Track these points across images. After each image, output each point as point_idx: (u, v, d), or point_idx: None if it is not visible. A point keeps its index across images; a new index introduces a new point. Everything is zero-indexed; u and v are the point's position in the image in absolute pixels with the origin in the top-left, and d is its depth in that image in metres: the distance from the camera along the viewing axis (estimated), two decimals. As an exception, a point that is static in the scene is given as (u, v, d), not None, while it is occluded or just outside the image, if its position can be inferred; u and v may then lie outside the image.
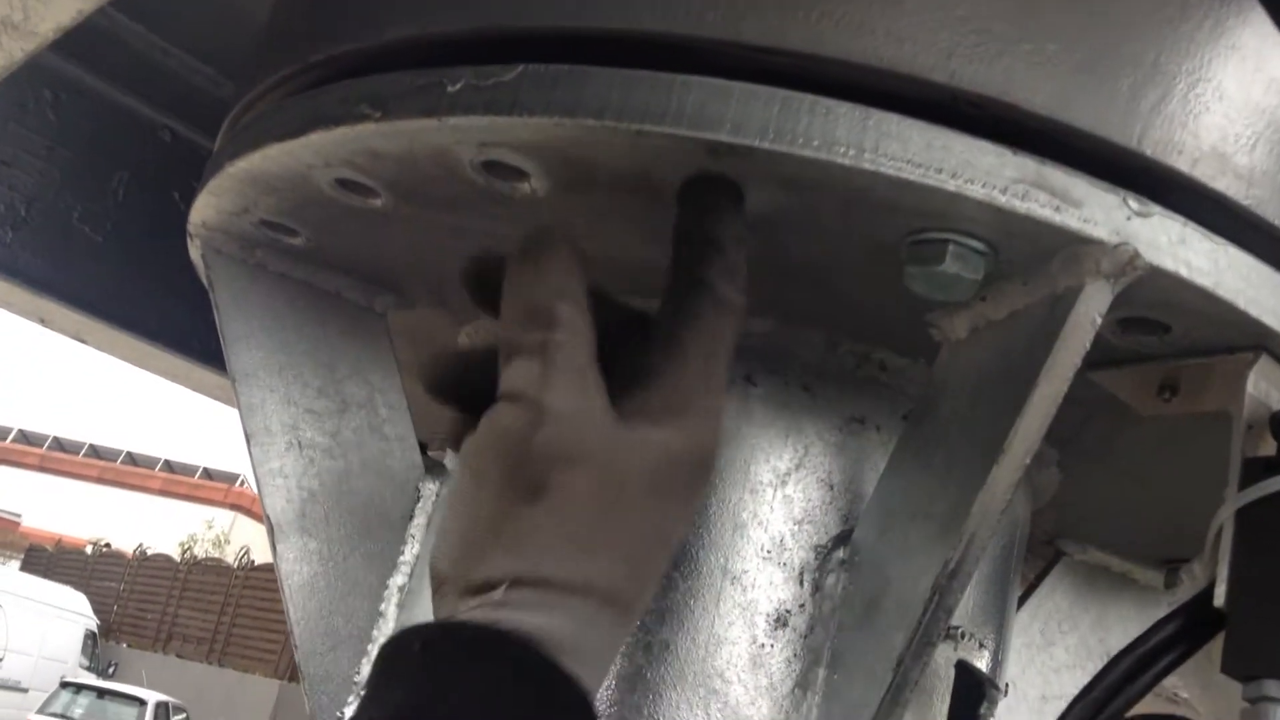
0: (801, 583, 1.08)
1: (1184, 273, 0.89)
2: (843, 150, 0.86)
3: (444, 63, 0.97)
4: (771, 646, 1.06)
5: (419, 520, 1.28)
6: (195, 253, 1.30)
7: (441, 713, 0.73)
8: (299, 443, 1.27)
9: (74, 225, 1.74)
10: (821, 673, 1.05)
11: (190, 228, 1.27)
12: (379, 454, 1.31)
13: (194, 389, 1.86)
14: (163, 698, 23.42)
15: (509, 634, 0.77)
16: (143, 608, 34.80)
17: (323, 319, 1.31)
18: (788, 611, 1.07)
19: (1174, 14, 0.94)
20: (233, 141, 1.15)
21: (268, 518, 1.24)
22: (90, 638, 27.49)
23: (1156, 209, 0.89)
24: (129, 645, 32.90)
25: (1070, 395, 0.92)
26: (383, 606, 1.25)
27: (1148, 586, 1.52)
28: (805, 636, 1.06)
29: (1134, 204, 0.88)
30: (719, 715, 1.04)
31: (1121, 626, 1.52)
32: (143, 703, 22.54)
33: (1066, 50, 0.90)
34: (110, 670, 27.97)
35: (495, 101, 0.93)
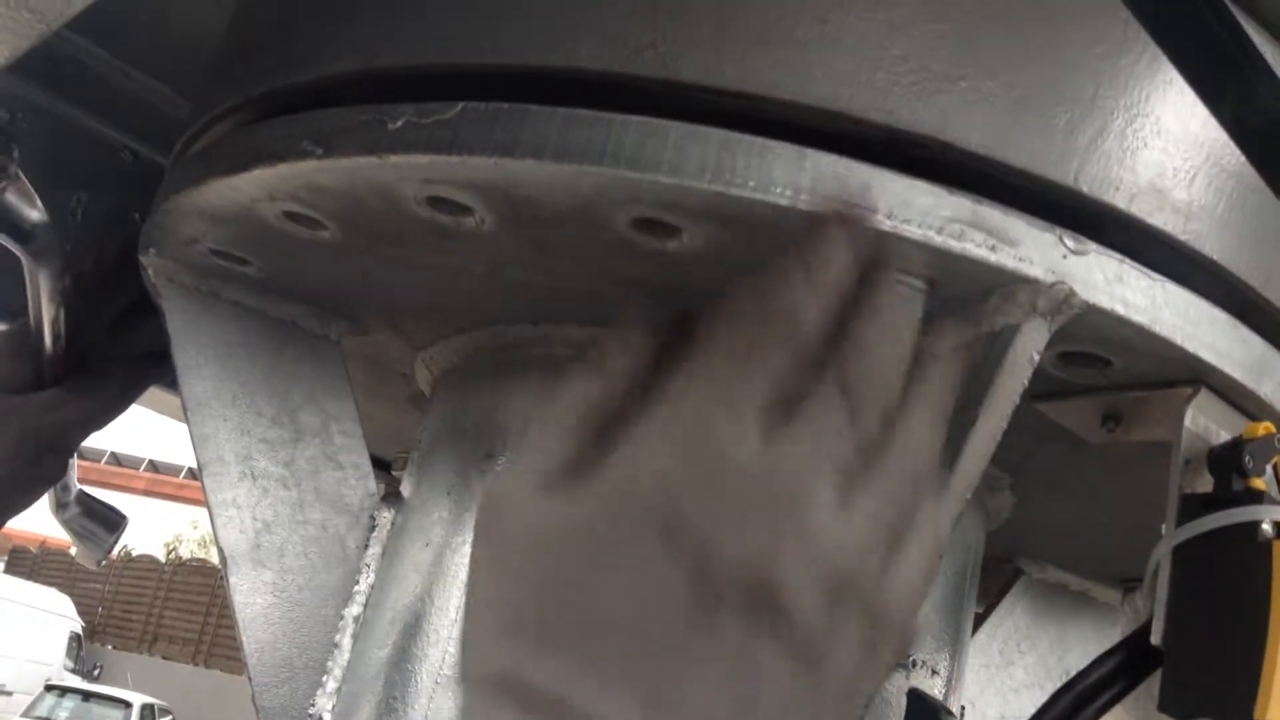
0: (751, 614, 1.08)
1: (1120, 310, 0.89)
2: (779, 190, 0.86)
3: (386, 98, 0.97)
4: (720, 679, 1.06)
5: (374, 550, 1.28)
6: (148, 281, 1.30)
7: None
8: (252, 473, 1.27)
9: (32, 247, 1.72)
10: (770, 705, 1.05)
11: (140, 257, 1.27)
12: (334, 483, 1.31)
13: (157, 411, 1.85)
14: (148, 700, 23.34)
15: None
16: (128, 609, 34.69)
17: (277, 347, 1.31)
18: (737, 643, 1.07)
19: (1112, 48, 0.94)
20: (179, 173, 1.15)
21: (220, 549, 1.24)
22: (75, 640, 27.38)
23: (1093, 246, 0.89)
24: (114, 647, 32.78)
25: (1019, 423, 0.93)
26: (338, 638, 1.25)
27: (1106, 604, 1.53)
28: (754, 668, 1.06)
29: (1070, 242, 0.88)
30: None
31: (1081, 645, 1.52)
32: (128, 705, 22.45)
33: (1003, 87, 0.90)
34: (95, 673, 27.86)
35: (436, 140, 0.93)
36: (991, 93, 0.90)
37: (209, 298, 1.28)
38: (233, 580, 1.23)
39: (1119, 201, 0.91)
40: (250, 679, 1.23)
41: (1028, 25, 0.92)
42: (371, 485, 1.32)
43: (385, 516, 1.30)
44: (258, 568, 1.24)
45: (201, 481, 1.25)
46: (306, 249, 1.15)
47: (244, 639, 1.23)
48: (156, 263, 1.25)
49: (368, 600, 1.26)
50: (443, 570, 1.18)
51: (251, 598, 1.24)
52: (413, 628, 1.18)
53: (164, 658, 31.61)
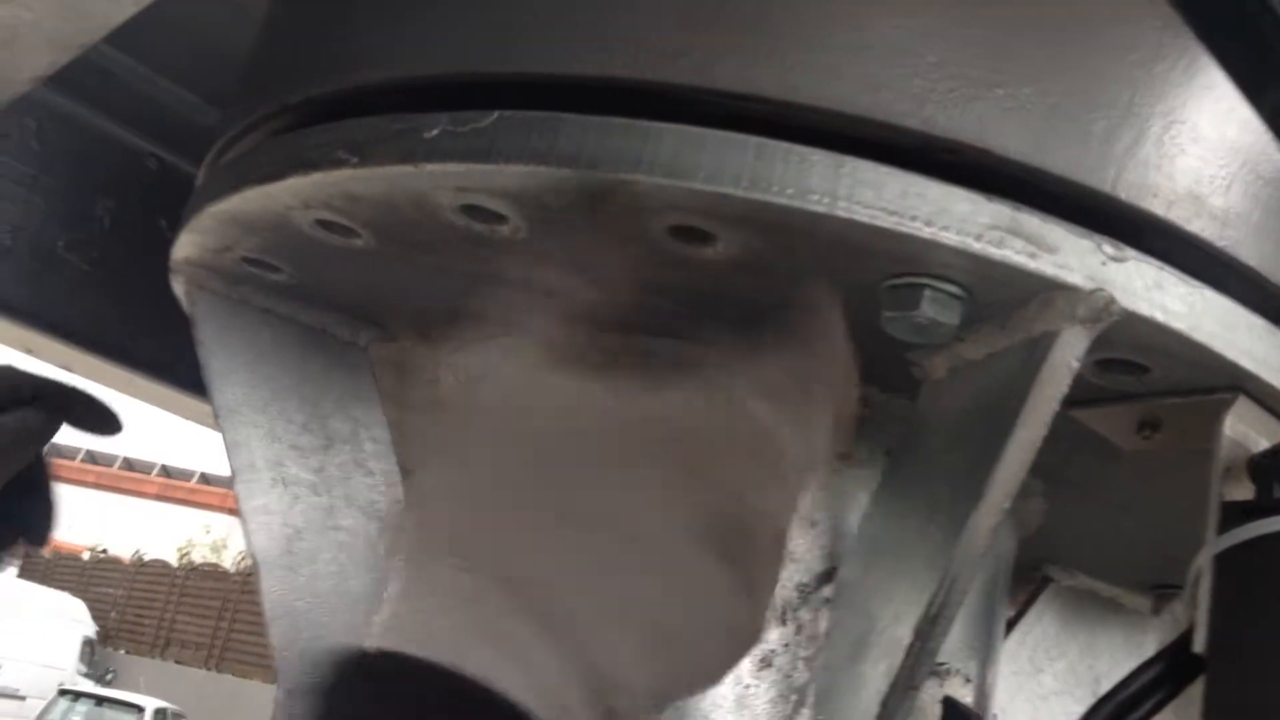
0: (785, 622, 1.08)
1: (1160, 317, 0.89)
2: (816, 198, 0.86)
3: (421, 107, 0.97)
4: (756, 687, 1.06)
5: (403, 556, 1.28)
6: (179, 288, 1.30)
7: None
8: (284, 479, 1.27)
9: (60, 254, 1.74)
10: (806, 713, 1.05)
11: (172, 264, 1.27)
12: (364, 489, 1.31)
13: (185, 417, 1.86)
14: (161, 704, 23.40)
15: None
16: (141, 614, 34.78)
17: (306, 354, 1.31)
18: (772, 651, 1.07)
19: (1148, 55, 0.94)
20: (212, 181, 1.15)
21: (253, 555, 1.24)
22: (88, 644, 27.47)
23: (1132, 253, 0.89)
24: (127, 652, 32.88)
25: (1053, 431, 0.93)
26: (368, 644, 1.24)
27: (1136, 611, 1.52)
28: (789, 676, 1.06)
29: (1109, 249, 0.88)
30: (703, 756, 1.04)
31: (1110, 653, 1.52)
32: (141, 710, 22.52)
33: (1040, 94, 0.90)
34: (108, 677, 27.95)
35: (472, 148, 0.93)
36: (1028, 99, 0.90)
37: (239, 305, 1.28)
38: (264, 586, 1.24)
39: (1157, 208, 0.91)
40: (280, 684, 1.23)
41: (1062, 32, 0.92)
42: (399, 493, 1.33)
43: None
44: (289, 573, 1.25)
45: (234, 488, 1.25)
46: (338, 256, 1.15)
47: (274, 644, 1.24)
48: (188, 270, 1.26)
49: (398, 607, 1.26)
50: (474, 577, 1.18)
51: (282, 603, 1.24)
52: (444, 635, 1.18)
53: (177, 662, 31.69)
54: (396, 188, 0.98)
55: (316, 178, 1.01)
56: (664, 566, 0.72)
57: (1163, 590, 1.48)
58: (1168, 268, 0.90)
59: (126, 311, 1.75)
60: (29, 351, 1.69)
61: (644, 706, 0.70)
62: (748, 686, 1.06)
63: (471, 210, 0.99)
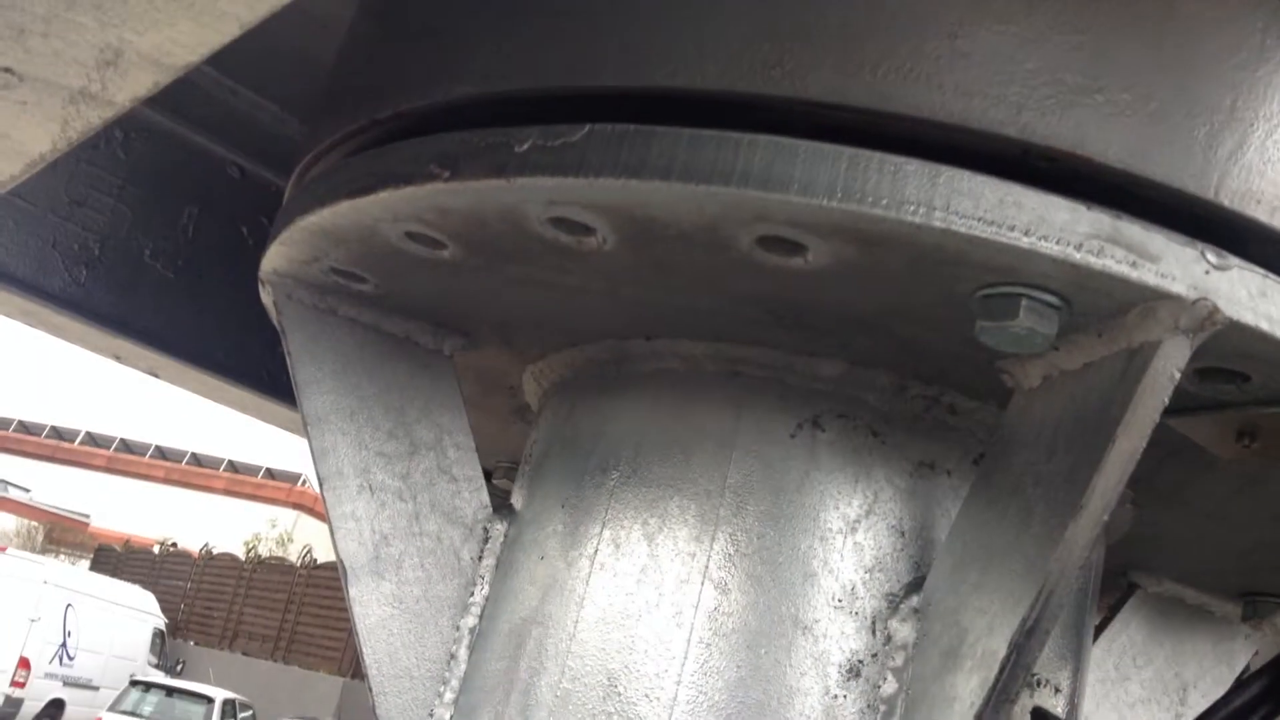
0: (874, 632, 1.07)
1: (1265, 326, 0.87)
2: (912, 208, 0.86)
3: (511, 122, 0.98)
4: (844, 698, 1.05)
5: (488, 562, 1.29)
6: (267, 299, 1.32)
7: None
8: (370, 486, 1.29)
9: (145, 262, 1.77)
10: (895, 724, 1.04)
11: (262, 275, 1.29)
12: (449, 495, 1.32)
13: (266, 421, 1.89)
14: (230, 695, 23.79)
15: None
16: (209, 606, 35.41)
17: (392, 362, 1.33)
18: (860, 662, 1.06)
19: (1250, 57, 0.92)
20: (302, 195, 1.17)
21: (341, 561, 1.26)
22: (158, 636, 27.98)
23: (1235, 261, 0.87)
24: (196, 643, 33.47)
25: (1148, 440, 0.91)
26: (455, 649, 1.26)
27: (1224, 619, 1.49)
28: (878, 687, 1.06)
29: (1212, 257, 0.87)
30: (792, 765, 1.04)
31: (1197, 660, 1.49)
32: (210, 700, 22.91)
33: (1140, 100, 0.89)
34: (178, 668, 28.47)
35: (563, 162, 0.94)
36: (1128, 105, 0.88)
37: (326, 314, 1.30)
38: (353, 592, 1.25)
39: (1261, 215, 0.89)
40: (370, 688, 1.25)
41: (1162, 36, 0.91)
42: (484, 497, 1.34)
43: (498, 529, 1.31)
44: (377, 579, 1.26)
45: (321, 495, 1.27)
46: (424, 267, 1.16)
47: (364, 649, 1.25)
48: (276, 281, 1.28)
49: (483, 612, 1.28)
50: (557, 584, 1.19)
51: (371, 609, 1.26)
52: (529, 641, 1.19)
53: (244, 654, 32.22)
54: (487, 201, 0.99)
55: (408, 192, 1.02)
56: None
57: (1253, 598, 1.45)
58: (1272, 276, 0.88)
59: (209, 318, 1.78)
60: (117, 358, 1.73)
61: None
62: (836, 697, 1.05)
63: (560, 222, 0.99)
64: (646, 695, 1.08)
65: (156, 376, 1.76)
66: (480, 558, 1.31)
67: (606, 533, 1.17)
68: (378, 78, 1.14)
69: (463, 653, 1.27)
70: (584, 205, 0.96)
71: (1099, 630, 1.49)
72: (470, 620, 1.28)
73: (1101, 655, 1.47)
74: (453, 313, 1.31)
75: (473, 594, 1.29)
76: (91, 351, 1.72)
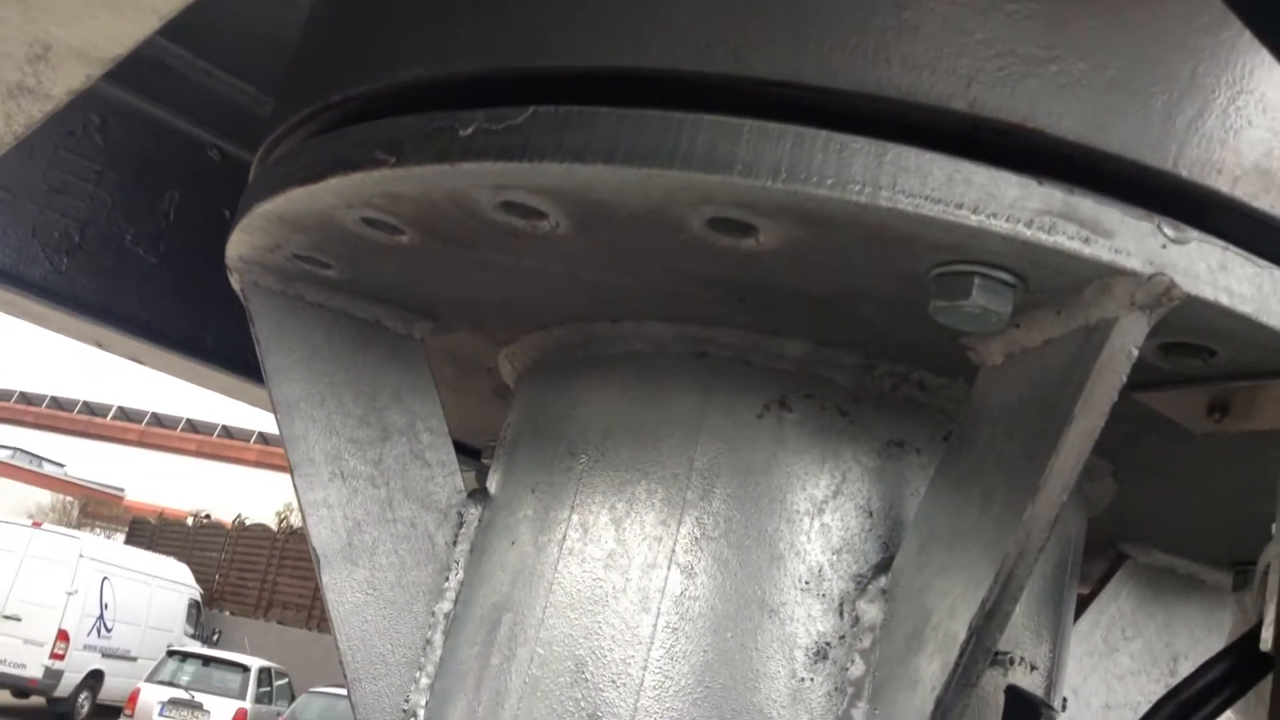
0: (841, 614, 1.06)
1: (1225, 301, 0.84)
2: (858, 188, 0.83)
3: (457, 104, 0.96)
4: (812, 680, 1.04)
5: (462, 547, 1.29)
6: (236, 285, 1.31)
7: None
8: (342, 473, 1.28)
9: (127, 248, 1.77)
10: (863, 707, 1.03)
11: (228, 261, 1.28)
12: (422, 480, 1.31)
13: (252, 404, 1.89)
14: (265, 663, 24.12)
15: None
16: (243, 576, 35.81)
17: (361, 347, 1.32)
18: (828, 644, 1.05)
19: (1214, 20, 0.89)
20: (259, 181, 1.16)
21: (314, 549, 1.25)
22: (194, 607, 28.37)
23: (1194, 234, 0.85)
24: (231, 613, 33.90)
25: (1118, 413, 0.89)
26: (430, 634, 1.26)
27: (1215, 587, 1.47)
28: (846, 670, 1.04)
29: (1169, 230, 0.84)
30: (759, 749, 1.03)
31: (1188, 630, 1.47)
32: (246, 669, 23.24)
33: (1096, 69, 0.86)
34: (215, 638, 28.87)
35: (507, 146, 0.92)
36: (1083, 75, 0.85)
37: (294, 300, 1.29)
38: (326, 579, 1.25)
39: (1222, 185, 0.86)
40: (345, 675, 1.25)
41: (1121, 1, 0.87)
42: (458, 482, 1.33)
43: (473, 513, 1.30)
44: (350, 566, 1.26)
45: (293, 483, 1.27)
46: (385, 252, 1.15)
47: (339, 636, 1.25)
48: (241, 267, 1.27)
49: (458, 597, 1.27)
50: (527, 569, 1.18)
51: (345, 595, 1.25)
52: (501, 627, 1.18)
53: (279, 623, 32.60)
54: (434, 187, 0.98)
55: (357, 178, 1.00)
56: None
57: (1244, 567, 1.42)
58: (1233, 248, 0.85)
59: (194, 303, 1.78)
60: (99, 345, 1.72)
61: None
62: (803, 680, 1.04)
63: (511, 207, 0.97)
64: (613, 681, 1.08)
65: (141, 363, 1.76)
66: (455, 543, 1.30)
67: (575, 517, 1.16)
68: (329, 61, 1.13)
69: (438, 638, 1.26)
70: (531, 190, 0.94)
71: (1086, 602, 1.47)
72: (445, 606, 1.28)
73: (1089, 628, 1.45)
74: (419, 296, 1.29)
75: (447, 579, 1.29)
76: (74, 339, 1.72)
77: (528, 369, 1.33)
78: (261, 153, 1.25)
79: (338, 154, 1.02)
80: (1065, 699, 1.25)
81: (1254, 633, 0.86)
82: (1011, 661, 1.12)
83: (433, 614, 1.27)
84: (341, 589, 1.26)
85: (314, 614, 32.82)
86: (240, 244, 1.23)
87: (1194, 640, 1.40)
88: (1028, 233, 0.82)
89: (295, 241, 1.18)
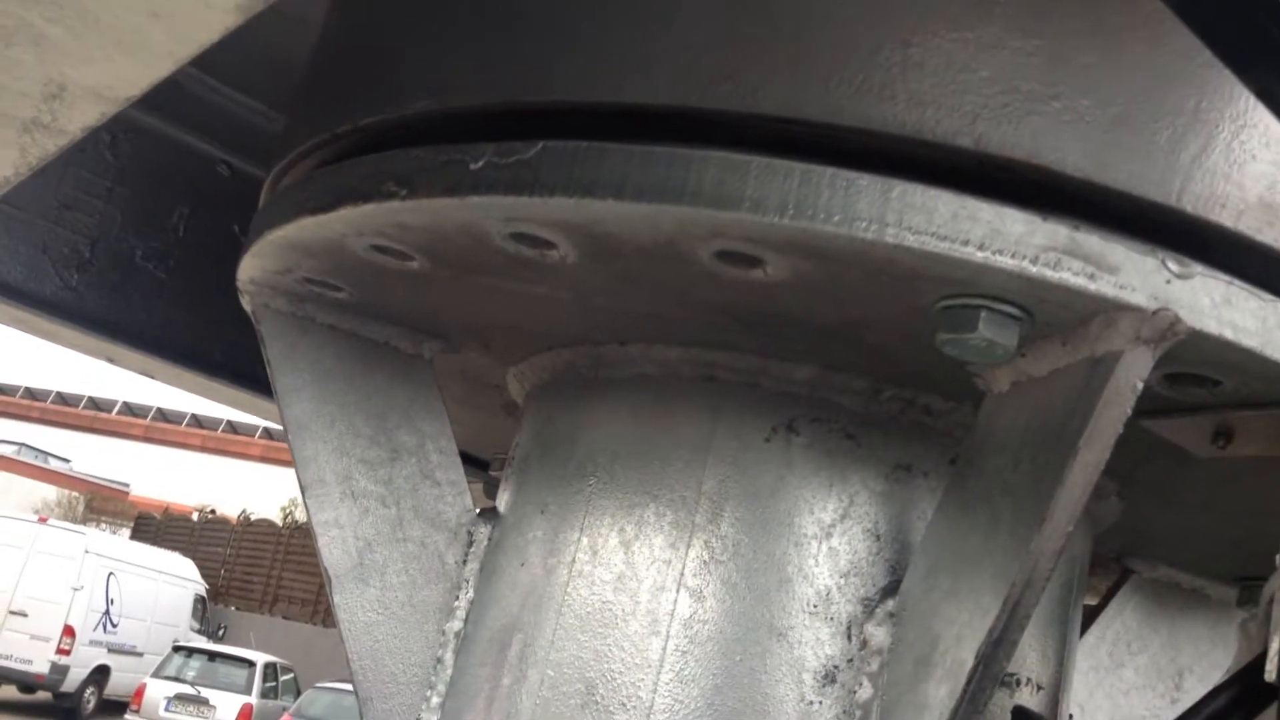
0: (849, 637, 1.07)
1: (1229, 335, 0.85)
2: (864, 225, 0.84)
3: (467, 137, 0.97)
4: (820, 704, 1.05)
5: (472, 566, 1.30)
6: (247, 307, 1.32)
7: None
8: (353, 492, 1.29)
9: (137, 264, 1.78)
10: (870, 730, 1.04)
11: (239, 284, 1.29)
12: (432, 500, 1.33)
13: (262, 417, 1.90)
14: (271, 658, 24.18)
15: None
16: (248, 572, 35.87)
17: (372, 368, 1.33)
18: (836, 667, 1.06)
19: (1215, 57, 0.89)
20: (270, 207, 1.17)
21: (325, 569, 1.27)
22: (200, 602, 28.44)
23: (1198, 269, 0.85)
24: (236, 608, 33.97)
25: (1126, 438, 0.90)
26: (440, 653, 1.27)
27: (1221, 602, 1.48)
28: (854, 693, 1.05)
29: (1173, 265, 0.85)
30: (768, 772, 1.04)
31: (1193, 645, 1.48)
32: (252, 664, 23.30)
33: (1100, 105, 0.87)
34: (220, 633, 28.94)
35: (517, 180, 0.93)
36: (1087, 111, 0.86)
37: (304, 322, 1.30)
38: (337, 599, 1.26)
39: (1225, 219, 0.87)
40: (357, 695, 1.26)
41: (1124, 36, 0.88)
42: (468, 501, 1.34)
43: (482, 532, 1.31)
44: (361, 585, 1.27)
45: (304, 503, 1.28)
46: (395, 277, 1.16)
47: (350, 655, 1.26)
48: (253, 290, 1.28)
49: (468, 616, 1.28)
50: (537, 590, 1.19)
51: (356, 615, 1.26)
52: (511, 647, 1.19)
53: (284, 618, 32.66)
54: (445, 218, 0.99)
55: (368, 209, 1.01)
56: None
57: (1249, 582, 1.44)
58: (1237, 282, 0.86)
59: (203, 318, 1.79)
60: (110, 360, 1.74)
61: None
62: (811, 704, 1.05)
63: (521, 238, 0.98)
64: (624, 704, 1.09)
65: (151, 377, 1.77)
66: (465, 561, 1.31)
67: (584, 539, 1.17)
68: (339, 90, 1.13)
69: (449, 657, 1.27)
70: (540, 222, 0.95)
71: (1091, 615, 1.48)
72: (455, 625, 1.29)
73: (1095, 643, 1.46)
74: (429, 319, 1.30)
75: (458, 598, 1.30)
76: (84, 355, 1.73)
77: (537, 389, 1.34)
78: (272, 178, 1.26)
79: (348, 185, 1.03)
80: (1071, 715, 1.26)
81: (1258, 662, 0.87)
82: (1018, 683, 1.13)
83: (443, 633, 1.28)
84: (353, 608, 1.27)
85: (319, 609, 32.86)
86: (251, 267, 1.24)
87: (1199, 655, 1.41)
88: (1033, 269, 0.83)
89: (306, 266, 1.19)
